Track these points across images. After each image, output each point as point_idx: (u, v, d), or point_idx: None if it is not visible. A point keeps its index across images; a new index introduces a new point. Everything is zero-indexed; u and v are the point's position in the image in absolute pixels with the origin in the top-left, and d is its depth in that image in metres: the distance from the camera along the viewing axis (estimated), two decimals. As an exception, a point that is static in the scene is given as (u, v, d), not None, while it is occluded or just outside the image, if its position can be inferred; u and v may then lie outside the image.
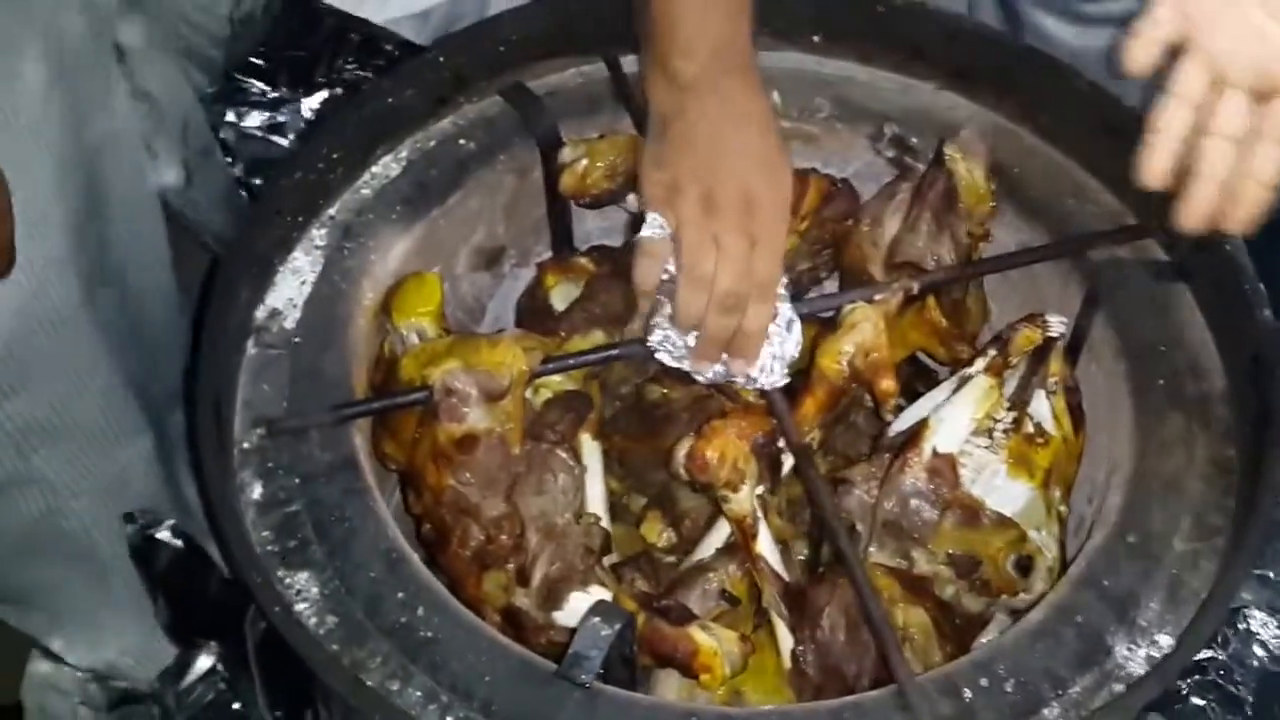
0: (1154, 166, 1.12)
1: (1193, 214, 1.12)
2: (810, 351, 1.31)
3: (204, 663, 1.27)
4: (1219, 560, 1.15)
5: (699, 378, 1.28)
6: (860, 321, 1.30)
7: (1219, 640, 1.22)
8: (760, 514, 1.24)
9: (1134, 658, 1.10)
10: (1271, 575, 1.26)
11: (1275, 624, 1.24)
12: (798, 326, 1.27)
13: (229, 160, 1.67)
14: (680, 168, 1.25)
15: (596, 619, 1.09)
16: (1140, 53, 1.11)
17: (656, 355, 1.28)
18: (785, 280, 1.27)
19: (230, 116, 1.65)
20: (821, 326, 1.34)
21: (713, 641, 1.16)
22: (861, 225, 1.42)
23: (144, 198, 1.51)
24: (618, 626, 1.09)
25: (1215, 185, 1.10)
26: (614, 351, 1.32)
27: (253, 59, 1.67)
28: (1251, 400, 1.22)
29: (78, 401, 1.38)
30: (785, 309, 1.26)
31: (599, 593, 1.19)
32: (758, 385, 1.27)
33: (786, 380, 1.27)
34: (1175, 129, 1.11)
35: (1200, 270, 1.32)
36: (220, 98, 1.66)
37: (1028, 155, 1.45)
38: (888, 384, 1.29)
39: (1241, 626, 1.23)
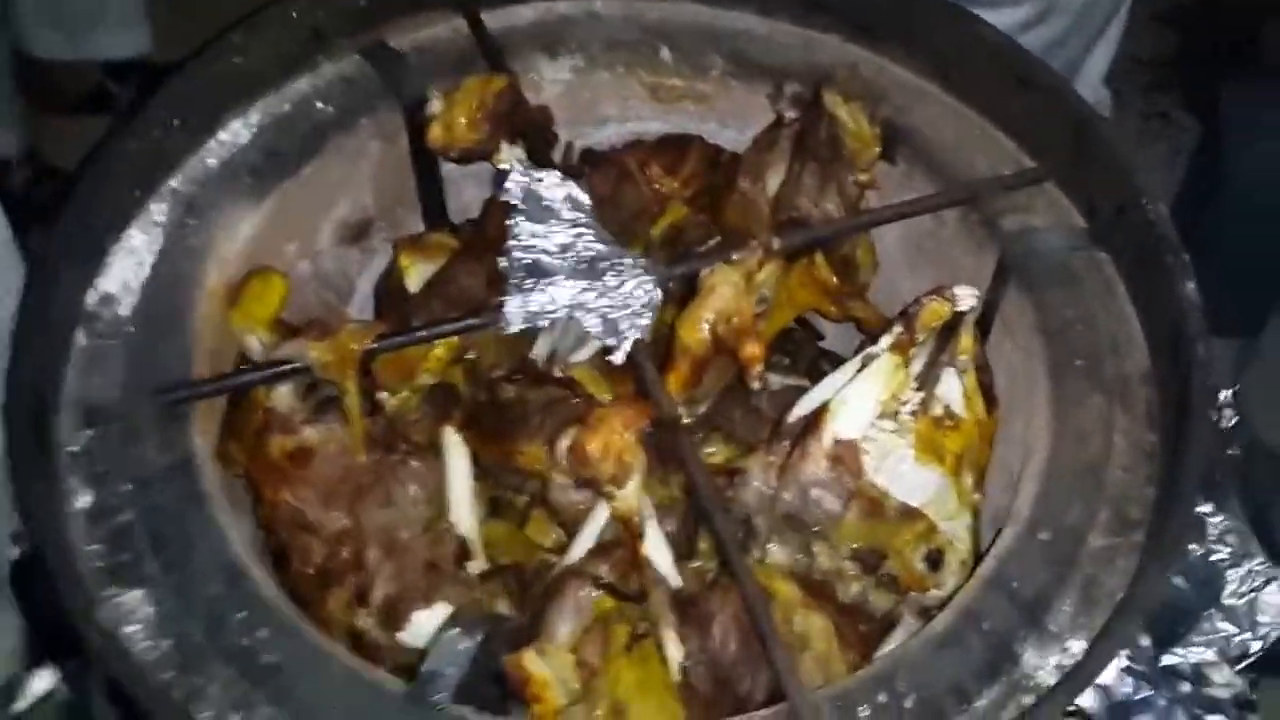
0: None
1: None
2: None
3: (40, 684, 1.16)
4: (1137, 557, 1.09)
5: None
6: (719, 285, 1.22)
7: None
8: (649, 512, 1.16)
9: (1044, 666, 1.05)
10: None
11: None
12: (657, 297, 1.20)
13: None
14: None
15: (454, 630, 1.03)
16: None
17: (509, 327, 1.18)
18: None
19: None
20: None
21: (545, 670, 1.07)
22: (740, 182, 1.35)
23: None
24: (478, 638, 1.02)
25: None
26: (463, 323, 1.21)
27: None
28: (1173, 380, 1.16)
29: None
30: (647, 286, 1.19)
31: (445, 611, 1.11)
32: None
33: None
34: None
35: (1121, 239, 1.25)
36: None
37: (937, 113, 1.38)
38: (751, 349, 1.21)
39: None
